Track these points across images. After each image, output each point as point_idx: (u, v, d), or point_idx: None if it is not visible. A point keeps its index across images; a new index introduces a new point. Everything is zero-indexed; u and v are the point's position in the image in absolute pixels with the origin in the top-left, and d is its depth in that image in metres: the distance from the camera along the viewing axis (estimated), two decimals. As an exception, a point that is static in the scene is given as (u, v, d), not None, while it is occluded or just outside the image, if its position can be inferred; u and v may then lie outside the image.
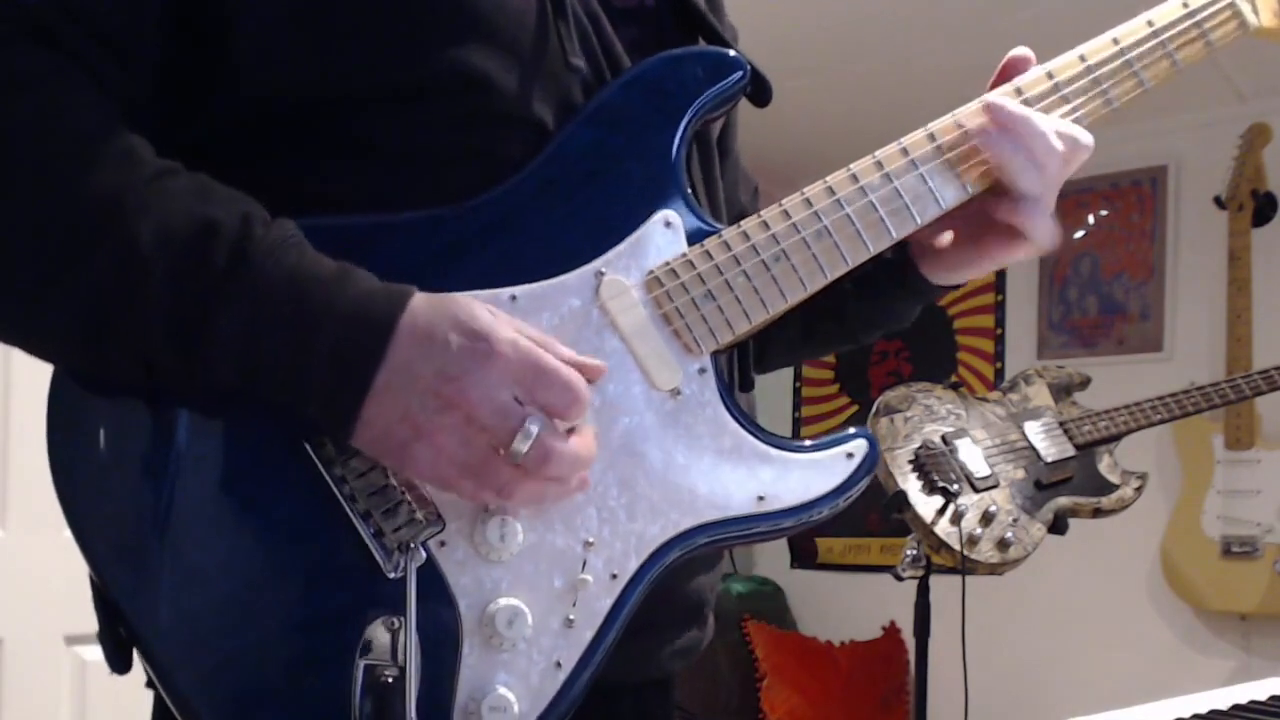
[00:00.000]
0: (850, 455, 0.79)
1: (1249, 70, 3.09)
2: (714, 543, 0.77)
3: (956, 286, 0.96)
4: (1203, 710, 0.93)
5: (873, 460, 0.79)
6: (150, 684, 0.76)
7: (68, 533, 2.44)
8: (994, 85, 0.88)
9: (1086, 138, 0.84)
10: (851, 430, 0.80)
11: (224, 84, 0.74)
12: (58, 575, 2.18)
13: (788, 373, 4.18)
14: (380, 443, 0.68)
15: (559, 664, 0.72)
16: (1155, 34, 0.88)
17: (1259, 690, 1.00)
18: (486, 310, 0.69)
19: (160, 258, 0.65)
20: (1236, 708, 0.95)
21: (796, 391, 4.21)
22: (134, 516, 0.69)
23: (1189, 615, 3.28)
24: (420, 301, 0.68)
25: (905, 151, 0.83)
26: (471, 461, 0.67)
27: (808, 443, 0.79)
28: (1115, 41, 0.88)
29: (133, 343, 0.67)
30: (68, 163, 0.66)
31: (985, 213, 0.86)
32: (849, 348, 1.09)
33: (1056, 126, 0.83)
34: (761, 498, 0.77)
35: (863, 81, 3.21)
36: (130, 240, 0.65)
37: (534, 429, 0.66)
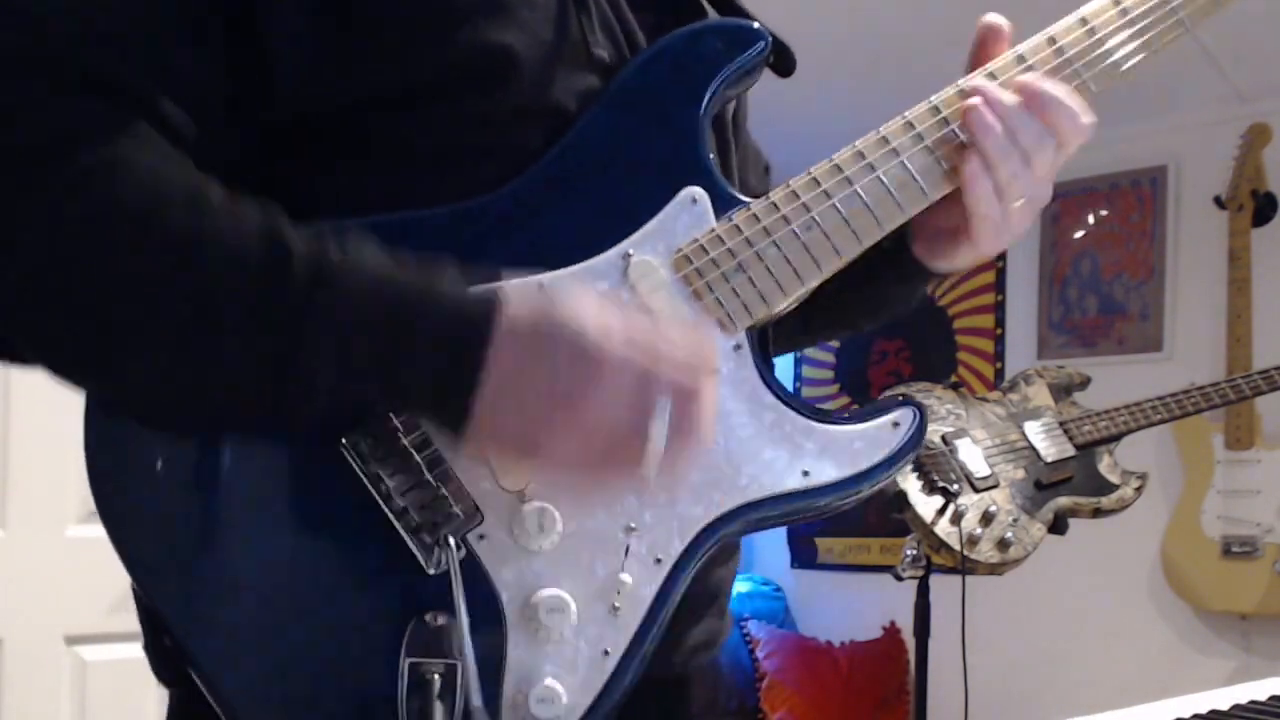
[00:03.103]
0: (896, 424, 0.77)
1: (1249, 70, 3.09)
2: (759, 521, 0.76)
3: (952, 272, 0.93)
4: (1203, 710, 0.93)
5: (921, 430, 0.77)
6: (167, 682, 0.75)
7: (68, 532, 2.44)
8: (976, 57, 0.84)
9: (1086, 115, 0.80)
10: (898, 397, 0.78)
11: (254, 88, 0.72)
12: (58, 575, 2.18)
13: (788, 372, 4.18)
14: (510, 422, 0.66)
15: (606, 652, 0.71)
16: None
17: (1259, 690, 1.00)
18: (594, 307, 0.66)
19: (238, 291, 0.63)
20: (1236, 708, 0.94)
21: (796, 391, 4.21)
22: (172, 523, 0.68)
23: (1189, 615, 3.28)
24: (517, 305, 0.66)
25: (937, 109, 0.80)
26: (618, 436, 0.65)
27: (851, 414, 0.77)
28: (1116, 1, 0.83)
29: (222, 383, 0.64)
30: (136, 215, 0.63)
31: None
32: (851, 334, 1.06)
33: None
34: (807, 473, 0.75)
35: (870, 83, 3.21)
36: (205, 283, 0.63)
37: (665, 411, 0.65)
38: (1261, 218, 3.14)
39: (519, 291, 0.67)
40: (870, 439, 0.77)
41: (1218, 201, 3.19)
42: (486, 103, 0.74)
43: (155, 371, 0.64)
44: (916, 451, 0.77)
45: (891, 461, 0.76)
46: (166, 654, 0.69)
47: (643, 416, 0.65)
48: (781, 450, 0.75)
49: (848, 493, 0.76)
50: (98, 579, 2.07)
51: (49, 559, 2.19)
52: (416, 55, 0.73)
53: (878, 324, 1.04)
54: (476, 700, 0.65)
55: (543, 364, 0.65)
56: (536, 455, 0.67)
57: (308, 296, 0.63)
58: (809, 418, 0.76)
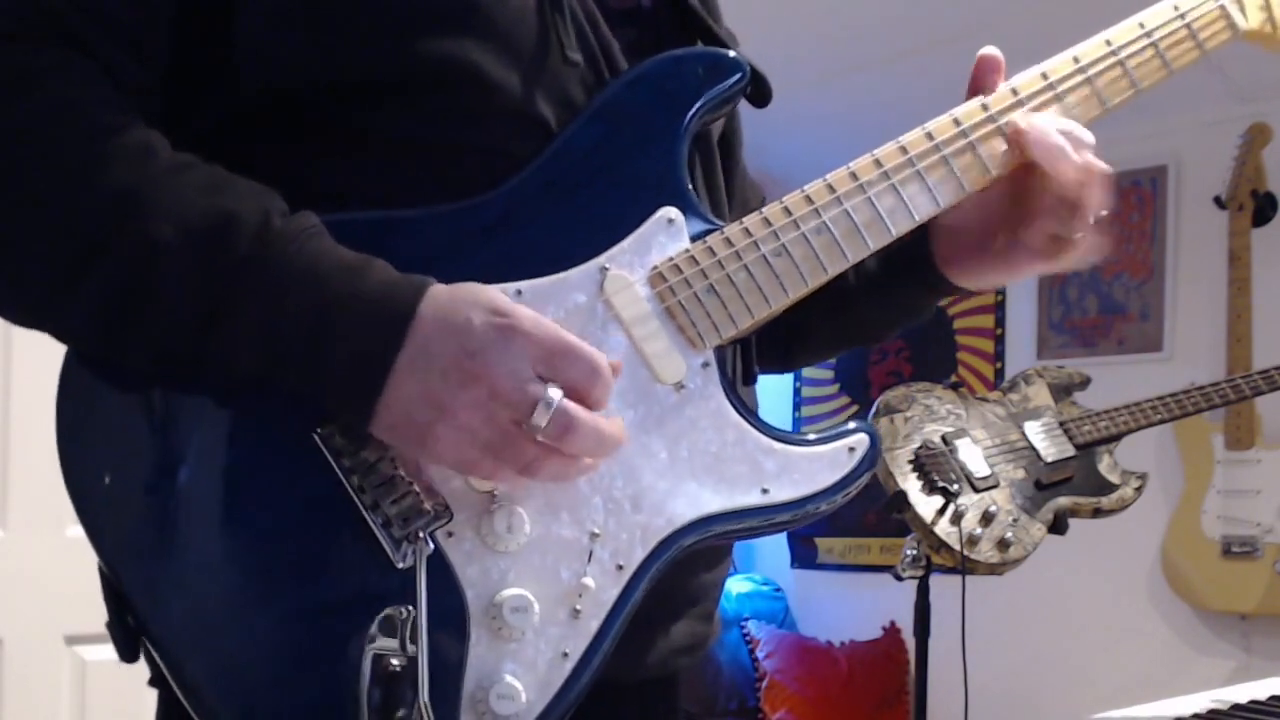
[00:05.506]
0: (852, 449, 0.79)
1: (1249, 70, 3.08)
2: (719, 535, 0.78)
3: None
4: (1203, 710, 0.93)
5: (874, 455, 0.80)
6: (154, 682, 0.76)
7: (68, 532, 2.44)
8: (971, 86, 0.89)
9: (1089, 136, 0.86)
10: (853, 424, 0.81)
11: (226, 76, 0.75)
12: (58, 575, 2.18)
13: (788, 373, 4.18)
14: (402, 427, 0.68)
15: (566, 654, 0.73)
16: (1147, 35, 0.89)
17: (1259, 690, 1.01)
18: (505, 295, 0.70)
19: (180, 251, 0.66)
20: (1236, 708, 0.95)
21: (796, 391, 4.21)
22: (143, 508, 0.69)
23: (1189, 615, 3.28)
24: (441, 289, 0.69)
25: (904, 150, 0.84)
26: (495, 439, 0.67)
27: (810, 436, 0.80)
28: (1108, 43, 0.88)
29: (153, 335, 0.68)
30: (84, 158, 0.67)
31: (1024, 227, 0.87)
32: (872, 345, 1.10)
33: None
34: (765, 490, 0.77)
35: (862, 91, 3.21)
36: (149, 236, 0.66)
37: (554, 398, 0.67)
38: (1261, 218, 3.14)
39: (444, 285, 0.70)
40: (827, 461, 0.79)
41: (1218, 201, 3.19)
42: (459, 105, 0.75)
43: (88, 314, 0.68)
44: (869, 475, 0.80)
45: (844, 484, 0.79)
46: (129, 632, 0.70)
47: (534, 399, 0.67)
48: (742, 467, 0.77)
49: (803, 511, 0.78)
50: (98, 579, 2.06)
51: (49, 559, 2.19)
52: (384, 51, 0.74)
53: (894, 336, 1.06)
54: (424, 696, 0.66)
55: (457, 324, 0.67)
56: (433, 435, 0.68)
57: (246, 265, 0.67)
58: (770, 437, 0.79)
